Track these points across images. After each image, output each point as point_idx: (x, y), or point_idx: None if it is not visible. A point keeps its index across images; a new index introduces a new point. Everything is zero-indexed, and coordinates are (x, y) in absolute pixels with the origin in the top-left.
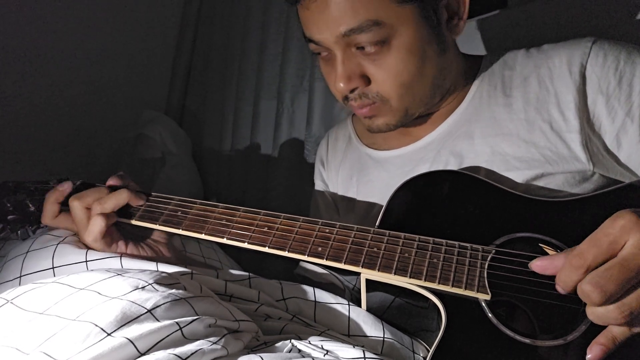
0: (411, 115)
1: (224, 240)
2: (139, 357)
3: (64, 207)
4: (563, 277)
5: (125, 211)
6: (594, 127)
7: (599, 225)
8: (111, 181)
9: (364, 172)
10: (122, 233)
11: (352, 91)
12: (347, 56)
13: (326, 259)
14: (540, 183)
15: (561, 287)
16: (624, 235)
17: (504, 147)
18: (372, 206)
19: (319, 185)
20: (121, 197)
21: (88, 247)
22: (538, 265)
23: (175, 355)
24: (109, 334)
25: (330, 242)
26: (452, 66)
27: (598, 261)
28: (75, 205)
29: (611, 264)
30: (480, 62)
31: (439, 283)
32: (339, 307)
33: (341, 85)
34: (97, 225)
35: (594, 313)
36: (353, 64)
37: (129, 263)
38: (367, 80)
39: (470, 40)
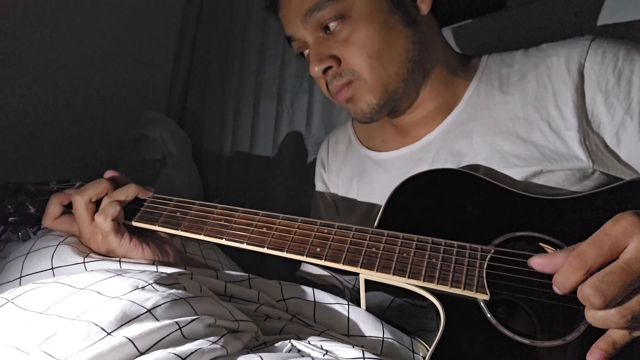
0: (393, 93)
1: (223, 241)
2: (139, 356)
3: (66, 208)
4: (561, 278)
5: (125, 212)
6: (592, 125)
7: (600, 224)
8: (109, 173)
9: (364, 173)
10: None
11: (325, 72)
12: (317, 40)
13: (325, 260)
14: (540, 181)
15: (558, 287)
16: (626, 238)
17: (503, 145)
18: (372, 207)
19: (319, 187)
20: (130, 191)
21: (87, 252)
22: (537, 262)
23: (175, 354)
24: (109, 334)
25: (329, 243)
26: (429, 44)
27: (599, 263)
28: (78, 200)
29: (613, 267)
30: (477, 63)
31: (437, 283)
32: (338, 307)
33: (315, 68)
34: (112, 206)
35: (594, 317)
36: (323, 47)
37: (128, 265)
38: (338, 61)
39: (470, 40)
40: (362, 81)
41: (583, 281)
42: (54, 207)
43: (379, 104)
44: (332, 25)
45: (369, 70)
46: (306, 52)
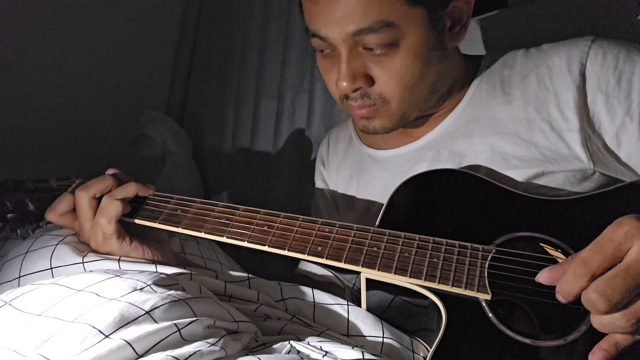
0: (406, 119)
1: (224, 239)
2: (137, 359)
3: None
4: (566, 285)
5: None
6: (593, 126)
7: (600, 225)
8: (110, 171)
9: (364, 171)
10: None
11: (354, 91)
12: (353, 55)
13: (326, 258)
14: (541, 182)
15: (563, 296)
16: (628, 241)
17: (504, 146)
18: (371, 205)
19: (319, 185)
20: (130, 189)
21: (87, 251)
22: (546, 277)
23: (174, 357)
24: (106, 336)
25: (330, 242)
26: (450, 72)
27: (603, 268)
28: (82, 195)
29: (616, 271)
30: (479, 62)
31: (439, 283)
32: (338, 308)
33: (344, 84)
34: (114, 207)
35: (600, 321)
36: (358, 64)
37: (127, 265)
38: (370, 81)
39: (470, 40)
40: (387, 108)
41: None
42: (65, 204)
43: (391, 128)
44: (376, 48)
45: (399, 100)
46: (327, 50)
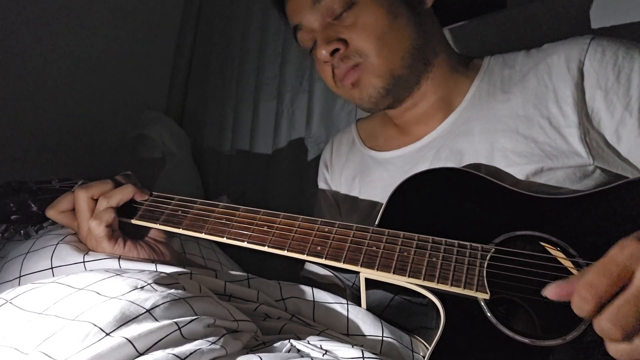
0: (398, 77)
1: (224, 240)
2: (138, 357)
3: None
4: (575, 308)
5: (126, 210)
6: (593, 122)
7: (600, 223)
8: (119, 177)
9: (366, 172)
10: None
11: (332, 54)
12: (325, 25)
13: (325, 258)
14: (541, 179)
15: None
16: (633, 264)
17: (504, 143)
18: (373, 205)
19: (322, 187)
20: (126, 192)
21: (87, 250)
22: (553, 293)
23: (174, 355)
24: (107, 334)
25: (330, 241)
26: (431, 35)
27: (610, 292)
28: (81, 195)
29: (626, 297)
30: (480, 63)
31: (437, 282)
32: (337, 307)
33: (323, 52)
34: (107, 213)
35: (617, 349)
36: (331, 31)
37: (128, 264)
38: (345, 43)
39: (470, 40)
40: (369, 63)
41: (596, 311)
42: (66, 202)
43: (384, 88)
44: (339, 11)
45: (376, 52)
46: (310, 43)
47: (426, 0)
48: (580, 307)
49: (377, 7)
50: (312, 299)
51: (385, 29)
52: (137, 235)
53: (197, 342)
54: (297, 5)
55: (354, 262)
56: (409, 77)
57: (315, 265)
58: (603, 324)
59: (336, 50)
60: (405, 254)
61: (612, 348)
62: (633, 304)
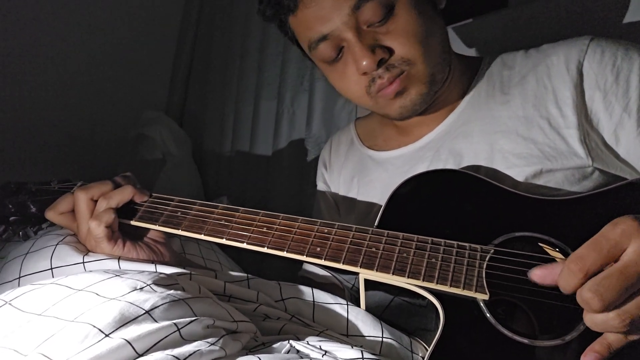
0: (438, 82)
1: (223, 241)
2: (137, 358)
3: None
4: (562, 281)
5: (125, 212)
6: (592, 123)
7: (599, 224)
8: (118, 178)
9: (364, 172)
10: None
11: (378, 66)
12: (361, 35)
13: (325, 259)
14: (540, 181)
15: (562, 290)
16: (625, 241)
17: (503, 144)
18: (372, 206)
19: (320, 187)
20: (126, 193)
21: (86, 250)
22: (537, 274)
23: (173, 356)
24: (107, 335)
25: (329, 242)
26: (445, 35)
27: (597, 266)
28: (81, 196)
29: (611, 270)
30: (479, 63)
31: (437, 283)
32: (337, 308)
33: (364, 63)
34: (107, 214)
35: (593, 320)
36: (369, 39)
37: (127, 265)
38: (388, 51)
39: (471, 39)
40: (415, 70)
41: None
42: (65, 203)
43: (428, 93)
44: (376, 19)
45: (422, 58)
46: (332, 53)
47: (441, 0)
48: (567, 280)
49: (414, 11)
50: (312, 300)
51: (425, 33)
52: (136, 235)
53: (196, 343)
54: (321, 13)
55: (353, 263)
56: (442, 80)
57: (314, 266)
58: (584, 293)
59: (381, 59)
60: (405, 254)
61: (588, 318)
62: (616, 277)
